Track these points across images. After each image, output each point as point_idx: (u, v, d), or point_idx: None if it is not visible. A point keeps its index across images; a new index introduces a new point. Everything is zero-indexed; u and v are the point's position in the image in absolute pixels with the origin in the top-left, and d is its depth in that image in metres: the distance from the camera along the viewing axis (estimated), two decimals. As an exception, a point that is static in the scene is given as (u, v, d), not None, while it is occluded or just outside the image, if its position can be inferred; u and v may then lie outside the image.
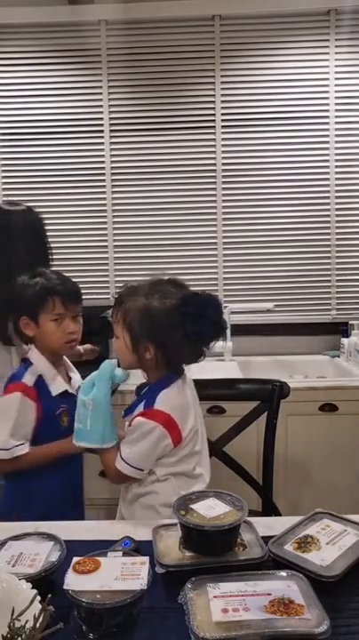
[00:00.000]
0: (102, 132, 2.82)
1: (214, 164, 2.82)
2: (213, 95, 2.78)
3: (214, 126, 2.80)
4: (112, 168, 2.83)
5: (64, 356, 1.60)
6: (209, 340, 1.31)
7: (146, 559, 0.93)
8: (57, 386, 1.51)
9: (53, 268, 1.69)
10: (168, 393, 1.32)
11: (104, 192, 2.84)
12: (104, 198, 2.85)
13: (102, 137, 2.82)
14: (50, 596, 0.74)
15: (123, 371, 1.38)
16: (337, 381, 2.42)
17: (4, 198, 2.84)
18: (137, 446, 1.28)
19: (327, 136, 2.78)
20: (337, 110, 2.77)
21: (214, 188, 2.82)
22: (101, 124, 2.81)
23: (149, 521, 1.20)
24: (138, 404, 1.36)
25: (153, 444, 1.27)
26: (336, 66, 2.75)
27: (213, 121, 2.80)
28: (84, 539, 1.11)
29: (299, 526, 1.09)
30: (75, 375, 1.62)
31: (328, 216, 2.81)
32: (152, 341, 1.30)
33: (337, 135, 2.78)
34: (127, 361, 1.35)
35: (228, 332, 2.65)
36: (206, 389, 1.74)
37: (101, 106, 2.80)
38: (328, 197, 2.80)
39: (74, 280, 1.58)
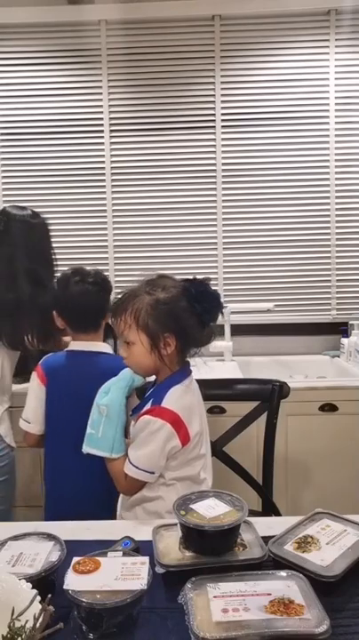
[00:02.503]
0: (102, 132, 2.81)
1: (214, 164, 2.81)
2: (213, 95, 2.78)
3: (214, 126, 2.80)
4: (112, 168, 2.83)
5: None
6: (215, 319, 1.34)
7: (146, 559, 0.93)
8: None
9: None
10: (177, 391, 1.31)
11: (104, 192, 2.84)
12: (104, 198, 2.85)
13: (102, 137, 2.82)
14: (50, 595, 0.74)
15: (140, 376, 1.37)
16: (337, 381, 2.42)
17: (5, 198, 2.84)
18: (146, 448, 1.26)
19: (327, 136, 2.78)
20: (337, 110, 2.77)
21: (214, 188, 2.82)
22: (101, 124, 2.81)
23: (149, 521, 1.20)
24: (146, 403, 1.34)
25: (161, 443, 1.26)
26: (336, 66, 2.75)
27: (213, 121, 2.80)
28: (84, 539, 1.11)
29: (299, 526, 1.09)
30: None
31: (328, 216, 2.81)
32: (172, 332, 1.30)
33: (337, 135, 2.78)
34: (146, 365, 1.33)
35: (228, 331, 2.66)
36: (206, 389, 1.73)
37: (101, 106, 2.80)
38: (328, 197, 2.80)
39: None
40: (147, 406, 1.32)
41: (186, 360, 1.38)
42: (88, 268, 1.69)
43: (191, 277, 1.35)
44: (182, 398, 1.31)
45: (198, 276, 1.37)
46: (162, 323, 1.29)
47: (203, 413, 1.40)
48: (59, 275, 1.74)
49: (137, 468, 1.27)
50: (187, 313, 1.29)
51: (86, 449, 1.33)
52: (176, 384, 1.32)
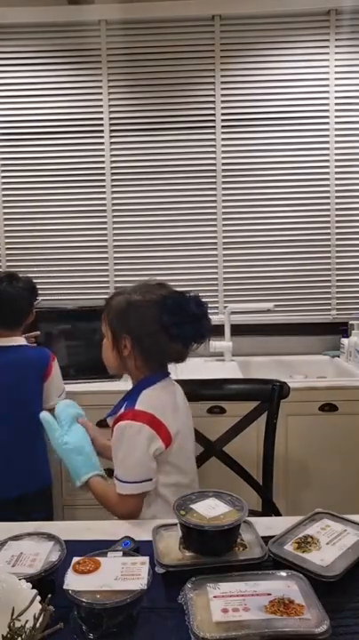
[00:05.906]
0: (102, 132, 2.81)
1: (214, 164, 2.81)
2: (213, 95, 2.78)
3: (214, 126, 2.80)
4: (112, 168, 2.83)
5: None
6: (190, 337, 1.29)
7: (146, 559, 0.93)
8: None
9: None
10: (150, 392, 1.30)
11: (104, 192, 2.84)
12: (104, 198, 2.85)
13: (102, 137, 2.82)
14: (50, 596, 0.74)
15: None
16: (337, 381, 2.42)
17: (5, 198, 2.84)
18: (130, 458, 1.24)
19: (327, 136, 2.78)
20: (337, 110, 2.77)
21: (214, 188, 2.82)
22: (101, 124, 2.81)
23: (149, 521, 1.20)
24: (120, 406, 1.33)
25: (144, 446, 1.24)
26: (336, 66, 2.75)
27: (213, 121, 2.79)
28: (84, 539, 1.11)
29: (299, 526, 1.09)
30: None
31: (328, 216, 2.81)
32: (128, 334, 1.30)
33: (337, 135, 2.78)
34: (110, 360, 1.35)
35: (228, 331, 2.66)
36: (206, 389, 1.75)
37: (101, 106, 2.80)
38: (328, 197, 2.80)
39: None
40: (122, 410, 1.31)
41: (161, 367, 1.36)
42: (20, 274, 1.90)
43: (185, 291, 1.31)
44: (156, 398, 1.30)
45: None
46: (121, 323, 1.30)
47: (188, 414, 1.39)
48: None
49: (131, 482, 1.24)
50: (150, 321, 1.27)
51: (77, 486, 1.32)
52: (149, 386, 1.31)
